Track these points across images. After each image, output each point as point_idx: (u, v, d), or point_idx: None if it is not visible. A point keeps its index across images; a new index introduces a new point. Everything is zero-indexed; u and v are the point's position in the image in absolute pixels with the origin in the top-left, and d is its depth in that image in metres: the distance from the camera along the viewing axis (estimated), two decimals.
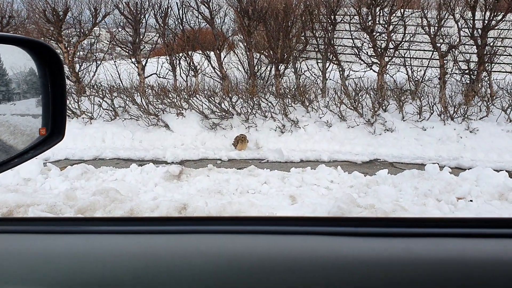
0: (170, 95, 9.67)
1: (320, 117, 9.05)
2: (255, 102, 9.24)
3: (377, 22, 10.29)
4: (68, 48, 11.29)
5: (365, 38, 10.57)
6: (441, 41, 9.97)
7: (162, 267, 0.83)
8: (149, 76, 11.14)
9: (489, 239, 0.85)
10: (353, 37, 10.68)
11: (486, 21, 9.61)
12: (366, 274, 0.80)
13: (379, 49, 10.19)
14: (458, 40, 9.86)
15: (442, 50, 9.90)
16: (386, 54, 10.19)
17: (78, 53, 11.81)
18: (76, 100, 9.81)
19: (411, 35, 10.33)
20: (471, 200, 5.23)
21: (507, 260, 0.79)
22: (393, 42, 10.25)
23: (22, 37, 1.03)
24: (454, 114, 8.69)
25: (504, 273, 0.77)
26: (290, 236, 0.90)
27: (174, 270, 0.83)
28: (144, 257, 0.86)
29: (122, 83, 10.65)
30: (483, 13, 9.65)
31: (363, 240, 0.87)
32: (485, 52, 9.71)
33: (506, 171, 6.25)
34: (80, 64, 11.36)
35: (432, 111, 8.81)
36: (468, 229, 0.88)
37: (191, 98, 9.49)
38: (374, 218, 1.10)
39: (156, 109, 9.40)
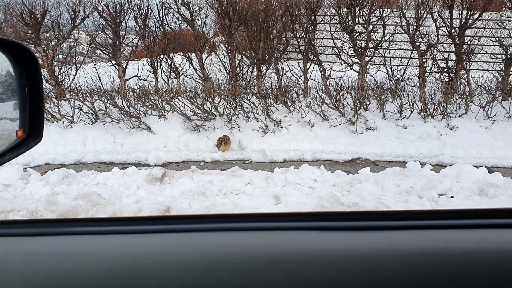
0: (151, 97, 9.61)
1: (303, 117, 9.09)
2: (238, 103, 9.23)
3: (356, 22, 10.38)
4: (47, 52, 11.12)
5: (345, 38, 10.66)
6: (420, 40, 10.10)
7: (152, 266, 0.83)
8: (130, 78, 11.04)
9: (467, 229, 0.87)
10: (333, 37, 10.75)
11: (463, 20, 9.78)
12: (350, 267, 0.81)
13: (359, 49, 10.28)
14: (436, 39, 10.01)
15: (421, 49, 10.04)
16: (366, 54, 10.29)
17: (57, 56, 11.65)
18: (56, 104, 9.67)
19: (391, 34, 10.45)
20: (452, 196, 5.31)
21: (484, 250, 0.81)
22: (373, 42, 10.36)
23: None
24: (434, 112, 8.82)
25: (482, 262, 0.79)
26: (276, 232, 0.91)
27: (163, 268, 0.84)
28: (134, 256, 0.86)
29: (102, 86, 10.53)
30: (460, 12, 9.82)
31: (346, 234, 0.88)
32: (463, 51, 9.88)
33: (485, 167, 6.36)
34: (60, 67, 11.20)
35: (412, 109, 8.92)
36: (447, 221, 0.90)
37: (173, 100, 9.44)
38: (356, 212, 1.12)
39: (138, 112, 9.32)
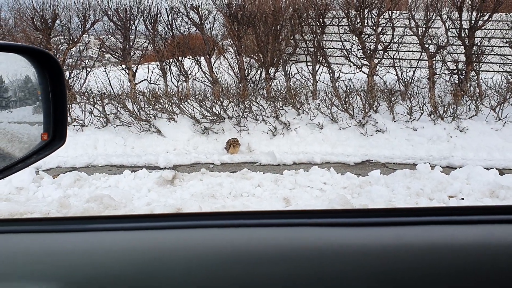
0: (161, 101, 9.67)
1: (312, 119, 9.09)
2: (246, 105, 9.26)
3: (365, 24, 10.37)
4: (57, 56, 11.22)
5: (354, 40, 10.65)
6: (429, 41, 10.07)
7: (164, 261, 0.87)
8: (140, 82, 11.12)
9: (473, 225, 0.90)
10: (342, 40, 10.75)
11: (473, 22, 9.74)
12: (358, 260, 0.84)
13: (368, 51, 10.27)
14: (446, 41, 9.97)
15: (430, 50, 10.00)
16: (375, 56, 10.27)
17: (67, 61, 11.75)
18: (67, 108, 9.74)
19: (400, 36, 10.42)
20: (462, 198, 5.29)
21: (490, 244, 0.84)
22: (382, 44, 10.34)
23: (23, 45, 1.05)
24: (444, 113, 8.77)
25: (488, 257, 0.83)
26: (286, 228, 0.94)
27: (175, 263, 0.87)
28: (146, 252, 0.89)
29: (113, 90, 10.61)
30: (470, 13, 9.77)
31: (356, 230, 0.91)
32: (472, 52, 9.83)
33: (496, 169, 6.32)
34: (70, 71, 11.30)
35: (422, 111, 8.88)
36: (454, 217, 0.93)
37: (183, 103, 9.49)
38: (365, 209, 1.15)
39: (148, 115, 9.39)
